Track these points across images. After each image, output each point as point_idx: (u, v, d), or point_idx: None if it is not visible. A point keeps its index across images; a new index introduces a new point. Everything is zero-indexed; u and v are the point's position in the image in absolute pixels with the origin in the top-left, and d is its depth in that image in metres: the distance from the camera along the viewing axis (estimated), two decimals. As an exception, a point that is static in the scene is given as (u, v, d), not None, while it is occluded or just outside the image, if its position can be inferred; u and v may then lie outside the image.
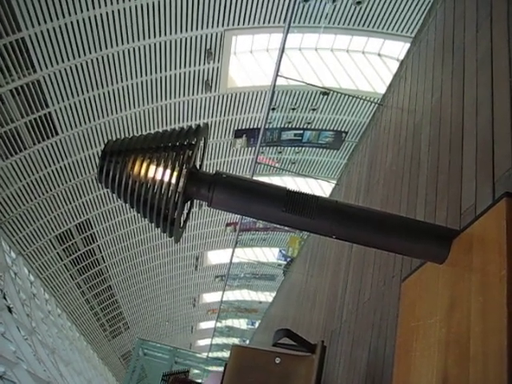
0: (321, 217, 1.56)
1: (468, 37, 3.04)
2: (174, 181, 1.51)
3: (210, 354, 25.18)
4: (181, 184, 1.51)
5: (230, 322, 30.15)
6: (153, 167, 1.54)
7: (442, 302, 1.57)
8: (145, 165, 1.55)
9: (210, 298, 32.97)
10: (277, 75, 5.76)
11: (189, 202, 1.68)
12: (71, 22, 12.40)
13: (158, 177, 1.53)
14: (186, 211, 1.69)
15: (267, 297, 28.63)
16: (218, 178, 1.59)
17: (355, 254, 4.49)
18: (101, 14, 12.58)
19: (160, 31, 13.71)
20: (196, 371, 20.94)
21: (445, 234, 1.66)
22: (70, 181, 17.30)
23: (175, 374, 9.09)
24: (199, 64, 15.47)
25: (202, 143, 1.62)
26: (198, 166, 1.65)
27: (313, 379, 2.76)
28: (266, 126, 17.76)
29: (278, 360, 3.24)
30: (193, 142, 1.53)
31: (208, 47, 14.83)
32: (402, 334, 1.90)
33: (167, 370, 15.23)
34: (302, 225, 1.58)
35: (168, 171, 1.53)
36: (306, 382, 2.83)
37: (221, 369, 21.11)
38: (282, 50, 5.75)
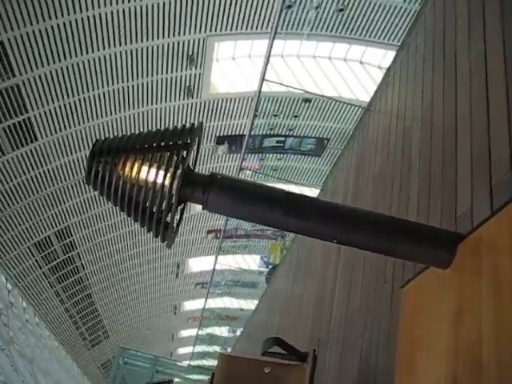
0: (321, 220, 1.48)
1: (460, 38, 3.01)
2: (167, 182, 1.43)
3: (192, 363, 24.94)
4: (175, 186, 1.43)
5: (210, 330, 29.97)
6: (145, 168, 1.45)
7: (448, 308, 1.50)
8: (136, 165, 1.46)
9: (191, 305, 32.71)
10: (263, 79, 5.70)
11: (182, 205, 1.59)
12: (51, 26, 12.24)
13: (151, 178, 1.44)
14: (178, 215, 1.60)
15: (249, 304, 28.48)
16: (214, 180, 1.51)
17: (343, 261, 4.43)
18: (82, 18, 12.44)
19: (142, 36, 13.60)
20: (177, 380, 20.71)
21: (450, 238, 1.60)
22: (50, 187, 17.04)
23: (158, 383, 8.93)
24: (181, 70, 15.37)
25: (195, 143, 1.53)
26: (191, 167, 1.57)
27: (305, 389, 2.68)
28: (250, 134, 17.66)
29: (267, 369, 3.16)
30: (187, 142, 1.45)
31: (190, 53, 14.74)
32: (404, 343, 1.83)
33: (149, 380, 15.02)
34: (302, 229, 1.51)
35: (161, 172, 1.44)
36: (297, 391, 2.75)
37: (202, 377, 20.91)
38: (269, 55, 5.68)
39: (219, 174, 1.53)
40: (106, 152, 1.49)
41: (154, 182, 1.44)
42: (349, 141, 5.77)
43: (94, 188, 1.54)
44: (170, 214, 1.46)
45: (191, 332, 34.33)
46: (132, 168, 1.46)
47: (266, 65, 5.72)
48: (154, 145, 1.46)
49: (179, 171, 1.42)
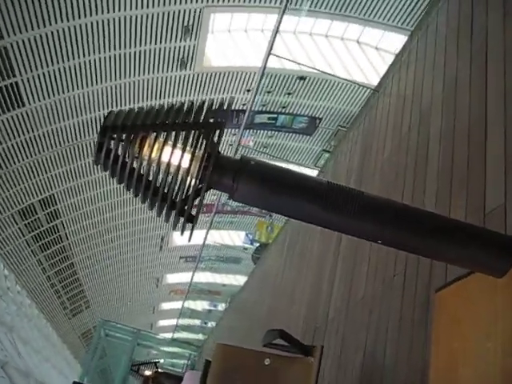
0: (367, 218, 1.29)
1: (492, 19, 2.79)
2: (195, 167, 1.21)
3: (174, 335, 25.02)
4: (204, 172, 1.22)
5: (192, 304, 30.06)
6: (168, 148, 1.23)
7: (504, 325, 1.32)
8: (157, 145, 1.24)
9: (174, 278, 32.69)
10: (269, 54, 5.45)
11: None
12: (43, -12, 11.81)
13: (175, 161, 1.23)
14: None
15: (231, 280, 28.52)
16: (246, 165, 1.29)
17: (346, 248, 4.25)
18: (75, -18, 12.02)
19: (136, 4, 13.18)
20: (155, 352, 20.80)
21: (509, 243, 1.41)
22: (35, 154, 16.67)
23: (144, 363, 8.84)
24: (175, 41, 14.99)
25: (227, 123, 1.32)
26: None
27: (311, 385, 2.52)
28: (240, 108, 17.37)
29: (267, 361, 2.99)
30: (219, 120, 1.24)
31: (185, 24, 14.36)
32: (440, 356, 1.65)
33: (129, 352, 14.97)
34: (345, 227, 1.31)
35: (187, 155, 1.23)
36: (303, 387, 2.60)
37: (183, 351, 20.92)
38: (277, 29, 5.43)
39: (251, 158, 1.31)
40: (121, 127, 1.26)
41: (178, 166, 1.23)
42: (353, 123, 5.57)
43: (105, 168, 1.31)
44: (195, 205, 1.25)
45: (172, 305, 34.39)
46: (152, 148, 1.24)
47: (274, 39, 5.45)
48: (179, 122, 1.24)
49: (210, 155, 1.21)
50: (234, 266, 27.88)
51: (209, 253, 23.80)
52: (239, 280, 25.88)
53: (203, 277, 28.30)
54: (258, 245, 17.80)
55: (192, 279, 19.90)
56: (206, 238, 14.35)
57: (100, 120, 16.39)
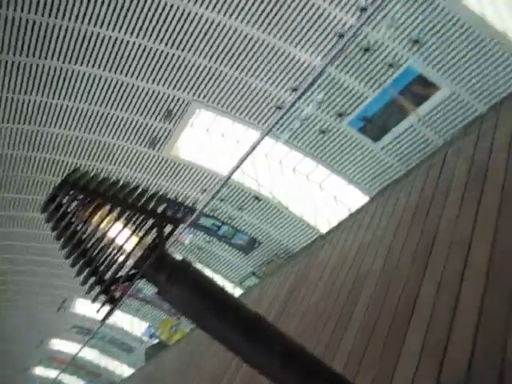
0: (282, 362, 1.27)
1: (449, 210, 2.96)
2: (137, 253, 1.20)
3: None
4: (144, 261, 1.20)
5: (66, 378, 28.42)
6: (118, 225, 1.22)
7: None
8: (108, 218, 1.22)
9: (59, 345, 30.80)
10: (237, 167, 5.57)
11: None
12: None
13: (119, 240, 1.21)
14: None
15: (116, 366, 27.23)
16: (184, 269, 1.28)
17: (244, 375, 4.15)
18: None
19: (129, 72, 13.49)
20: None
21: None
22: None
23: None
24: (154, 119, 15.24)
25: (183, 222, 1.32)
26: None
27: None
28: (189, 205, 17.40)
29: None
30: (178, 217, 1.24)
31: (170, 108, 14.69)
32: None
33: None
34: (260, 363, 1.29)
35: (134, 238, 1.21)
36: None
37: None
38: (252, 150, 5.59)
39: (192, 264, 1.30)
40: (82, 188, 1.25)
41: (121, 246, 1.21)
42: (290, 259, 5.64)
43: (48, 220, 1.28)
44: (123, 291, 1.22)
45: (46, 372, 32.20)
46: (103, 219, 1.22)
47: (246, 157, 5.60)
48: (139, 205, 1.24)
49: (156, 247, 1.20)
50: (124, 354, 26.70)
51: (104, 332, 22.84)
52: (124, 370, 24.65)
53: (89, 354, 26.91)
54: (156, 341, 17.20)
55: (78, 353, 18.85)
56: (107, 317, 13.76)
57: (52, 163, 16.19)
